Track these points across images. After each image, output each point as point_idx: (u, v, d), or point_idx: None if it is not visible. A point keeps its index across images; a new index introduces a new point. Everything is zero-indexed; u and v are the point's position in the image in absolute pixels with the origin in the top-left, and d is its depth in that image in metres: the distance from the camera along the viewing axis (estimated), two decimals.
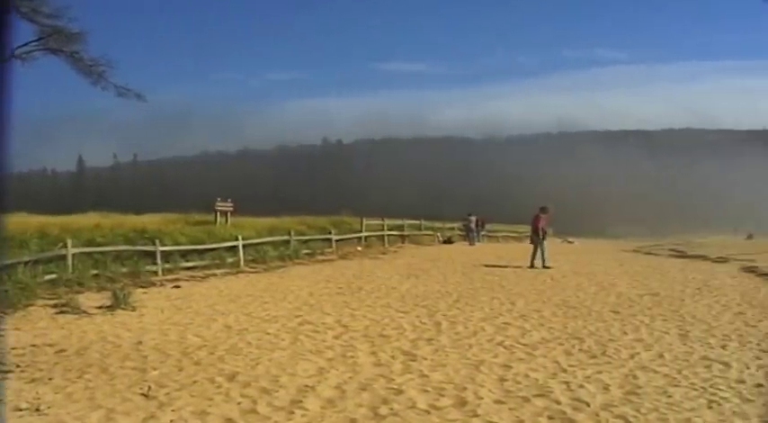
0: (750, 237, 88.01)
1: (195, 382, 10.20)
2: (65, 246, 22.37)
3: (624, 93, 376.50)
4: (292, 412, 8.76)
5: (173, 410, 8.77)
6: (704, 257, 42.91)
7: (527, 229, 40.09)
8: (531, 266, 30.60)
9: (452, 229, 60.05)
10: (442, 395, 9.61)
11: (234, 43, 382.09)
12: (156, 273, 25.50)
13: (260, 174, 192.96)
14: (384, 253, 40.15)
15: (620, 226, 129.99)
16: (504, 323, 15.89)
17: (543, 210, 31.90)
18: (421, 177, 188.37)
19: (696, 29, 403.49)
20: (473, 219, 56.43)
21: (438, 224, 59.31)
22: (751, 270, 32.14)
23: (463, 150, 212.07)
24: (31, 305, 17.84)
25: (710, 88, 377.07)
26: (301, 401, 9.21)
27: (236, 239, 30.35)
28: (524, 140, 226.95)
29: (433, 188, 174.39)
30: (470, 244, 53.18)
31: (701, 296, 21.78)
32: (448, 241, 54.14)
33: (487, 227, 65.30)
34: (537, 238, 31.22)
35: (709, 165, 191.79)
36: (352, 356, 12.09)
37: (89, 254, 23.57)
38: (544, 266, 30.22)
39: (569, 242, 59.76)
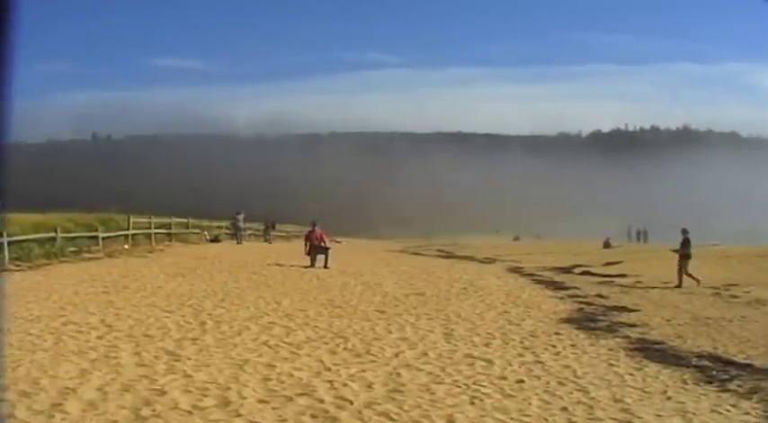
0: (517, 238, 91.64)
1: None
2: None
3: (395, 96, 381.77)
4: (52, 416, 8.60)
5: None
6: (471, 258, 44.39)
7: (294, 228, 40.32)
8: (312, 266, 31.43)
9: (220, 227, 59.80)
10: (206, 395, 9.65)
11: None
12: None
13: (28, 168, 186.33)
14: (151, 251, 39.54)
15: (388, 226, 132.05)
16: (270, 322, 16.06)
17: (314, 223, 33.01)
18: (192, 175, 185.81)
19: (465, 36, 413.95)
20: (241, 217, 56.21)
21: (206, 222, 58.99)
22: (516, 270, 33.62)
23: (235, 149, 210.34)
24: None
25: (479, 94, 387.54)
26: (62, 404, 9.04)
27: (0, 236, 29.41)
28: (295, 140, 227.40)
29: (205, 186, 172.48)
30: (238, 242, 53.08)
31: (466, 296, 22.71)
32: (215, 240, 53.82)
33: (250, 225, 65.05)
34: (322, 248, 32.20)
35: (475, 167, 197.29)
36: (115, 357, 11.95)
37: None
38: (325, 266, 31.07)
39: (337, 242, 60.66)
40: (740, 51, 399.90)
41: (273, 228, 63.63)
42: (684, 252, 27.80)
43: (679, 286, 26.61)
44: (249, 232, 62.17)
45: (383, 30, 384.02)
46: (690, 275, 27.35)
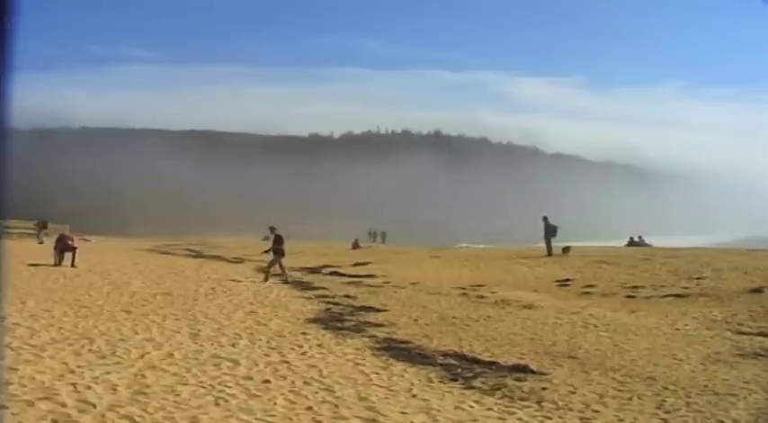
0: (266, 238, 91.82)
1: None
2: None
3: (147, 92, 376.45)
4: None
5: None
6: (221, 258, 44.37)
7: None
8: (58, 265, 31.13)
9: None
10: None
11: None
12: None
13: None
14: None
15: (139, 225, 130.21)
16: (14, 323, 15.38)
17: (62, 235, 34.46)
18: None
19: (220, 34, 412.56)
20: None
21: None
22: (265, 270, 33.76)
23: None
24: None
25: (231, 92, 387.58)
26: None
27: None
28: (43, 135, 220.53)
29: None
30: None
31: (214, 295, 22.71)
32: None
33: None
34: (69, 246, 32.11)
35: (225, 167, 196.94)
36: None
37: None
38: (72, 265, 30.71)
39: (86, 240, 59.21)
40: (492, 61, 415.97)
41: (45, 227, 61.52)
42: (278, 248, 29.12)
43: (266, 280, 28.11)
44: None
45: (136, 24, 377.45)
46: (267, 272, 29.08)
